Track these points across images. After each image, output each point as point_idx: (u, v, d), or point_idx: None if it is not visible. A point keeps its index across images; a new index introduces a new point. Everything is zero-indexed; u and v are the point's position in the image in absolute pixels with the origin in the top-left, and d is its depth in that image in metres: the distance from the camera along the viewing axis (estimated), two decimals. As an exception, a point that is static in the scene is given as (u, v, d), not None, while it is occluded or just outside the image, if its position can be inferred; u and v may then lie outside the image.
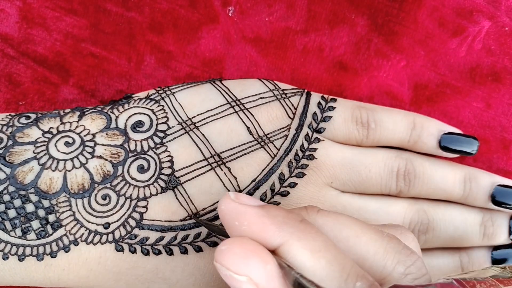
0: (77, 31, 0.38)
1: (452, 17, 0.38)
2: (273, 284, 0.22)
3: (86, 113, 0.32)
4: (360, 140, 0.34)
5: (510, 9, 0.38)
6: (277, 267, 0.22)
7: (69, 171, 0.30)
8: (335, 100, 0.34)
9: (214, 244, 0.30)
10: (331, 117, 0.33)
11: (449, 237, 0.34)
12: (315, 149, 0.32)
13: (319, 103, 0.34)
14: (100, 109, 0.32)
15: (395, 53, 0.38)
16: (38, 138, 0.30)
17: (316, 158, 0.32)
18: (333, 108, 0.34)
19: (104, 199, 0.30)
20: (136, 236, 0.30)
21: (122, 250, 0.30)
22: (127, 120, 0.32)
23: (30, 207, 0.29)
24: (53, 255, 0.29)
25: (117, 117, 0.32)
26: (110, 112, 0.32)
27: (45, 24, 0.38)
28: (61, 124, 0.31)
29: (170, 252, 0.30)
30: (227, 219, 0.24)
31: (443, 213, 0.34)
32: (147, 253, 0.30)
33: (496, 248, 0.35)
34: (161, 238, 0.30)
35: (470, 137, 0.35)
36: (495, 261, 0.35)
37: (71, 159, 0.30)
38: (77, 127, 0.31)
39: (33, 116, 0.31)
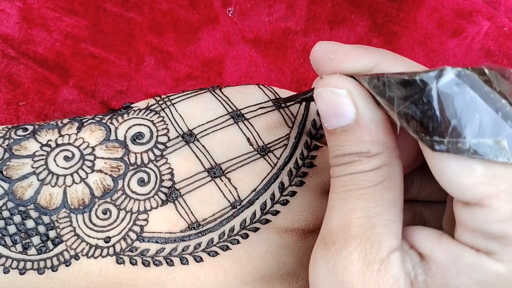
0: (77, 31, 0.38)
1: (452, 17, 0.38)
2: (368, 102, 0.25)
3: (84, 124, 0.31)
4: None
5: (510, 10, 0.38)
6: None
7: (69, 186, 0.30)
8: None
9: (215, 254, 0.30)
10: None
11: None
12: (314, 157, 0.32)
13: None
14: (99, 119, 0.32)
15: (394, 53, 0.38)
16: (36, 151, 0.30)
17: (315, 166, 0.32)
18: None
19: (105, 213, 0.30)
20: (136, 249, 0.30)
21: (123, 262, 0.30)
22: (126, 131, 0.31)
23: (30, 223, 0.29)
24: (54, 269, 0.29)
25: (116, 128, 0.31)
26: (109, 123, 0.32)
27: (45, 25, 0.38)
28: (59, 136, 0.31)
29: (171, 263, 0.30)
30: (321, 55, 0.26)
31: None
32: (148, 265, 0.30)
33: None
34: (162, 250, 0.30)
35: None
36: None
37: (71, 174, 0.30)
38: (76, 140, 0.31)
39: (30, 128, 0.31)
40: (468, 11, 0.38)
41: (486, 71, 0.22)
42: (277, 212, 0.31)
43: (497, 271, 0.22)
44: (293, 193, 0.31)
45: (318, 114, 0.34)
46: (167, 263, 0.30)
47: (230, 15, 0.39)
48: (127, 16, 0.39)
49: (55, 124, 0.32)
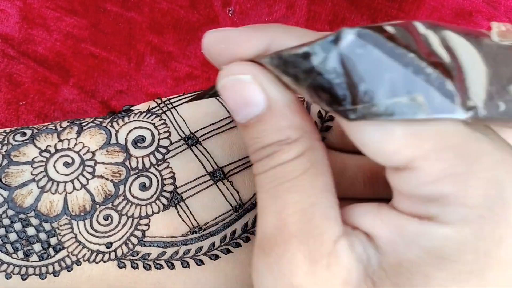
0: (77, 31, 0.38)
1: (451, 17, 0.38)
2: (276, 85, 0.23)
3: (84, 128, 0.31)
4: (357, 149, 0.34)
5: (510, 10, 0.38)
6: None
7: (70, 193, 0.29)
8: None
9: (216, 257, 0.30)
10: (331, 127, 0.33)
11: None
12: None
13: (319, 112, 0.34)
14: (98, 123, 0.32)
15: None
16: (35, 157, 0.30)
17: None
18: (333, 118, 0.34)
19: (106, 219, 0.29)
20: (138, 253, 0.30)
21: (124, 266, 0.30)
22: (127, 135, 0.31)
23: (31, 231, 0.29)
24: (55, 274, 0.29)
25: (117, 131, 0.31)
26: (110, 126, 0.31)
27: (46, 24, 0.38)
28: (59, 141, 0.30)
29: (172, 267, 0.30)
30: (213, 48, 0.25)
31: None
32: (149, 268, 0.30)
33: None
34: (163, 253, 0.30)
35: None
36: None
37: (71, 181, 0.29)
38: (75, 144, 0.30)
39: (29, 132, 0.31)
40: (468, 11, 0.38)
41: (388, 28, 0.20)
42: None
43: (444, 234, 0.21)
44: None
45: (318, 116, 0.34)
46: (168, 266, 0.30)
47: (230, 15, 0.39)
48: (127, 16, 0.39)
49: (54, 128, 0.31)
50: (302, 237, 0.22)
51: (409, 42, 0.21)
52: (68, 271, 0.29)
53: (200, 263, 0.30)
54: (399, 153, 0.21)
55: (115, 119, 0.32)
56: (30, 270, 0.29)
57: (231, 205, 0.31)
